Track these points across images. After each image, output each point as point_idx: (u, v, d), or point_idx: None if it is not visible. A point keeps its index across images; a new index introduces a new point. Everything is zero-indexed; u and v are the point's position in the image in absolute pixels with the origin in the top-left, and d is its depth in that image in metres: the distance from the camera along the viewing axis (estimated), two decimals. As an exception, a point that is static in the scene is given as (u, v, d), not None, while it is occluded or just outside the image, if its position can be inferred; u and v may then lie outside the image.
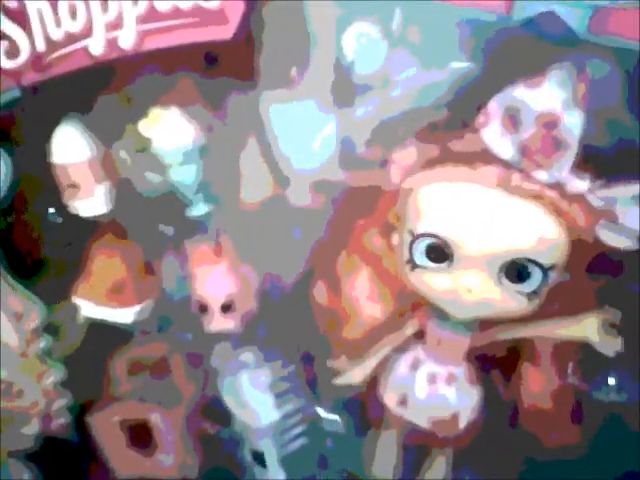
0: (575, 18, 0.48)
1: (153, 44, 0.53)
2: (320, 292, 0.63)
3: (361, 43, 0.59)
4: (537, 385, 0.59)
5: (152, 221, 0.67)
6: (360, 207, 0.59)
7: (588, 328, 0.55)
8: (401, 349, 0.61)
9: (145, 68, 0.57)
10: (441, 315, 0.57)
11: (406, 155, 0.54)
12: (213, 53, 0.57)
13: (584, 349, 0.56)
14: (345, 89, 0.61)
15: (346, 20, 0.59)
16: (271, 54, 0.59)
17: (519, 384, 0.60)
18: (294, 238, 0.64)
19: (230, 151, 0.64)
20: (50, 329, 0.67)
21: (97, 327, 0.69)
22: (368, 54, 0.59)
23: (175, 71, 0.58)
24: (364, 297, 0.61)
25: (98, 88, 0.60)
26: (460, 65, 0.53)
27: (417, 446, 0.64)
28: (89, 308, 0.67)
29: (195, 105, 0.61)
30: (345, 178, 0.61)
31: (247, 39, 0.56)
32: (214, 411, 0.70)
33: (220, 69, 0.59)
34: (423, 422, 0.60)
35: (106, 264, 0.66)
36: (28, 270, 0.66)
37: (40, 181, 0.63)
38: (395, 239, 0.57)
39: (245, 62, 0.59)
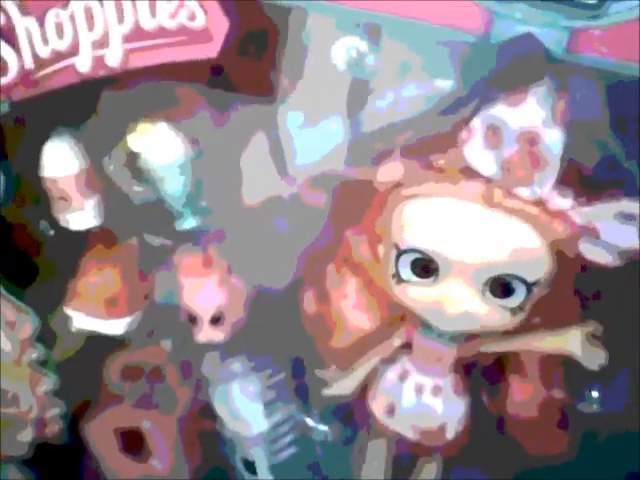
0: (553, 39, 0.48)
1: (140, 62, 0.54)
2: (309, 300, 0.64)
3: (350, 55, 0.60)
4: (523, 396, 0.60)
5: (144, 231, 0.67)
6: (351, 215, 0.60)
7: (572, 341, 0.56)
8: (389, 360, 0.61)
9: (142, 78, 0.57)
10: (427, 326, 0.57)
11: (391, 169, 0.54)
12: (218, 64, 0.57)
13: (570, 361, 0.57)
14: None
15: (337, 32, 0.59)
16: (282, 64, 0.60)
17: (506, 395, 0.60)
18: (284, 241, 0.64)
19: (231, 153, 0.64)
20: (43, 339, 0.67)
21: (90, 336, 0.69)
22: (358, 65, 0.60)
23: (175, 81, 0.58)
24: (352, 307, 0.62)
25: (88, 100, 0.60)
26: (443, 83, 0.54)
27: (407, 453, 0.65)
28: (81, 319, 0.67)
29: (199, 113, 0.62)
30: (343, 172, 0.61)
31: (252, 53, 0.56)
32: (207, 411, 0.71)
33: (229, 83, 0.59)
34: (410, 432, 0.60)
35: (98, 275, 0.66)
36: (21, 280, 0.67)
37: (33, 194, 0.64)
38: (381, 250, 0.57)
39: (257, 77, 0.59)
